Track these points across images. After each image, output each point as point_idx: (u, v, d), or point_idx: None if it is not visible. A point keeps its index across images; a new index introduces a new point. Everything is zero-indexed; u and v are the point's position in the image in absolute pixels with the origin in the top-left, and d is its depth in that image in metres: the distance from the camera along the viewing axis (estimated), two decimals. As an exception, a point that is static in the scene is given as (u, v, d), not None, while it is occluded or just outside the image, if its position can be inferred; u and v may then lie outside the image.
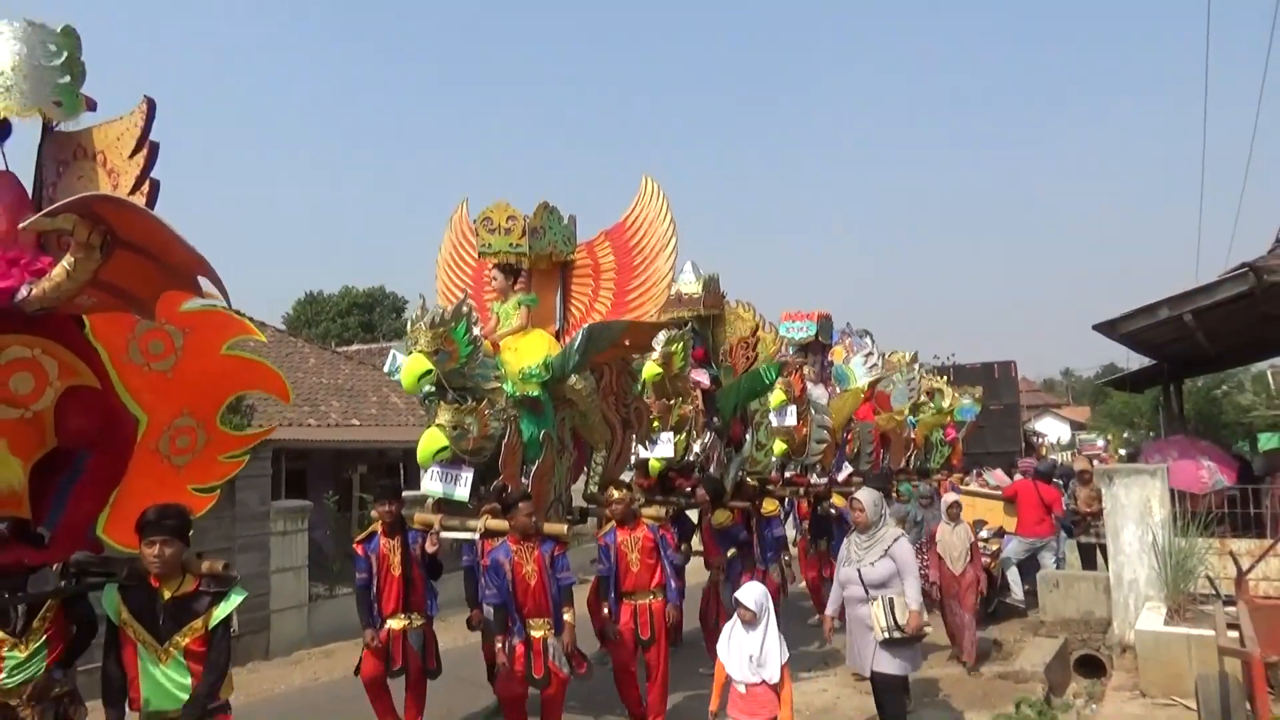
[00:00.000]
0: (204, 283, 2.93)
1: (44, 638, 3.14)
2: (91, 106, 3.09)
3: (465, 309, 5.00)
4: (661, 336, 6.65)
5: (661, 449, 6.88)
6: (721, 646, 4.19)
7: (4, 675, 3.08)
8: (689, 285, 7.79)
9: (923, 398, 12.22)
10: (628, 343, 5.85)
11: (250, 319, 4.14)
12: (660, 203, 6.00)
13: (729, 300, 8.09)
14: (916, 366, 12.63)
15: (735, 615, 4.19)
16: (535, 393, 5.36)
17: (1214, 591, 6.38)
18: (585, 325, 5.47)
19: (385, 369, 5.38)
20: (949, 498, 7.52)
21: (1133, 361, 16.76)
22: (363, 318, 31.95)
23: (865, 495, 4.99)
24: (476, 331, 5.06)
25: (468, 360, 4.95)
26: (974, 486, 10.91)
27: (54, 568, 3.14)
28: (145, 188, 3.03)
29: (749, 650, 4.05)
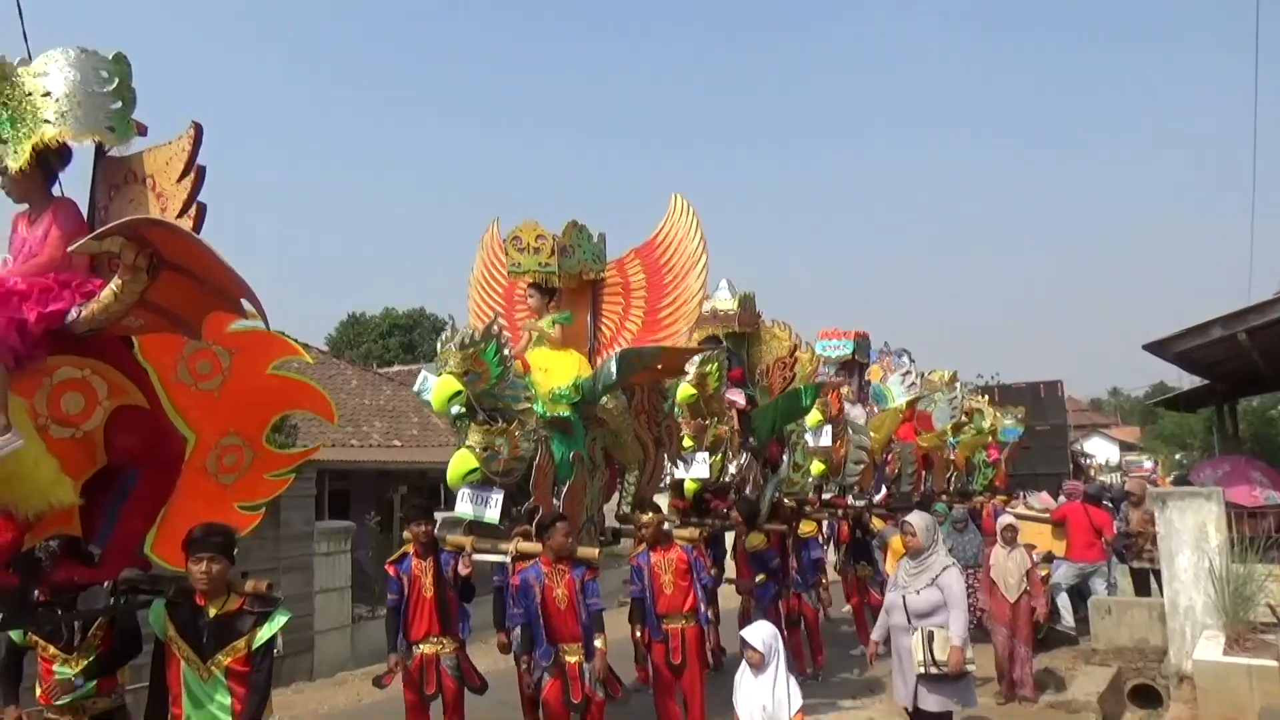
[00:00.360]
0: (246, 305, 3.00)
1: (94, 655, 3.19)
2: (142, 131, 3.19)
3: (496, 329, 5.05)
4: (697, 357, 6.61)
5: (697, 470, 6.82)
6: (735, 694, 3.99)
7: (54, 693, 3.07)
8: (724, 302, 7.76)
9: (963, 418, 11.89)
10: (660, 367, 5.84)
11: (294, 340, 4.22)
12: (690, 220, 5.99)
13: (765, 320, 8.06)
14: (958, 386, 12.30)
15: (744, 659, 3.96)
16: (566, 413, 5.36)
17: (1275, 620, 6.00)
18: (618, 351, 5.48)
19: (415, 387, 5.37)
20: (1004, 520, 7.34)
21: (1184, 381, 16.14)
22: (404, 339, 32.31)
23: (917, 519, 4.86)
24: (507, 352, 5.10)
25: (498, 381, 4.98)
26: (1019, 509, 10.52)
27: (104, 585, 3.21)
28: (193, 211, 3.10)
29: (760, 700, 3.85)
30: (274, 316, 3.07)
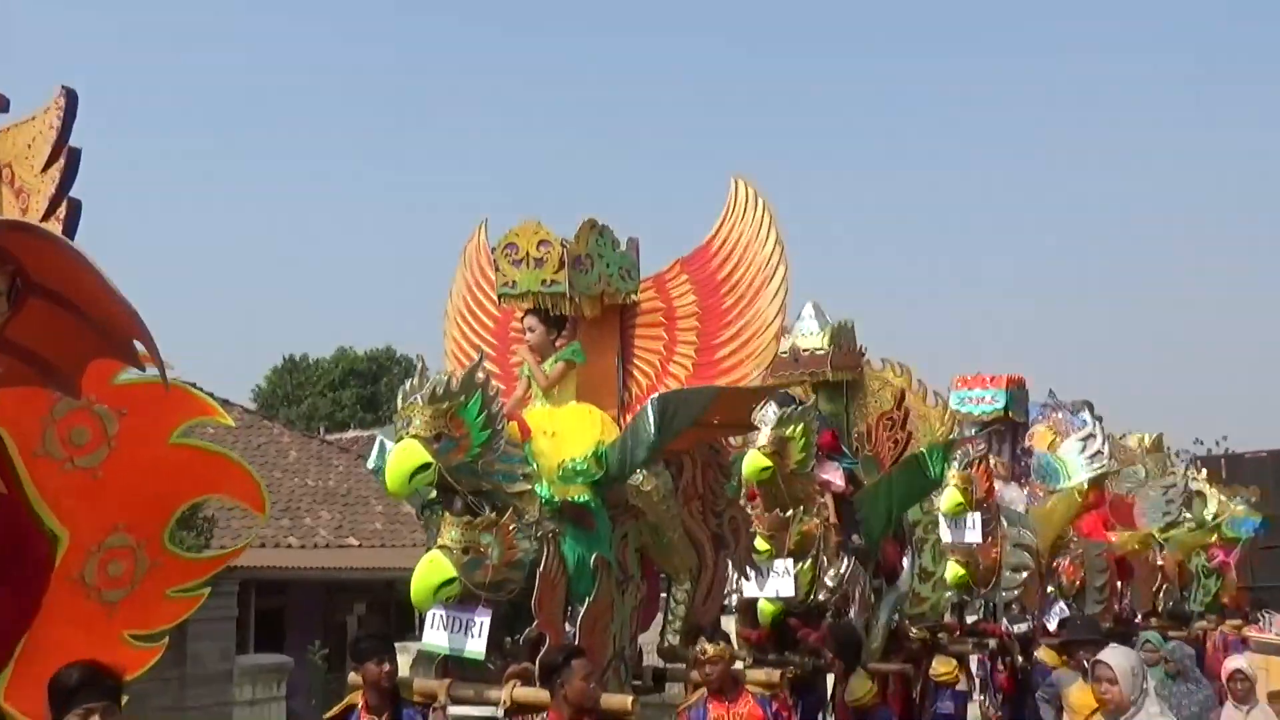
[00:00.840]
0: (141, 349, 3.02)
1: None
2: (2, 106, 3.29)
3: (480, 376, 5.02)
4: (770, 413, 6.53)
5: (776, 584, 6.75)
6: None
7: None
8: (809, 336, 7.78)
9: (1182, 511, 11.70)
10: (718, 420, 5.77)
11: (208, 396, 4.22)
12: (760, 216, 5.97)
13: (870, 359, 8.11)
14: (1181, 463, 12.03)
15: None
16: (584, 498, 5.33)
17: None
18: (654, 396, 5.47)
19: (369, 462, 5.30)
20: (1231, 665, 7.01)
21: None
22: (363, 391, 32.76)
23: (1117, 657, 4.79)
24: (497, 409, 5.05)
25: (483, 450, 4.94)
26: (1261, 637, 10.09)
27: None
28: (63, 210, 3.17)
29: None
30: (179, 360, 3.18)
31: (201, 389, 4.29)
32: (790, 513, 6.82)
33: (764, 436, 6.54)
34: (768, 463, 6.59)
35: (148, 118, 70.40)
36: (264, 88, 75.75)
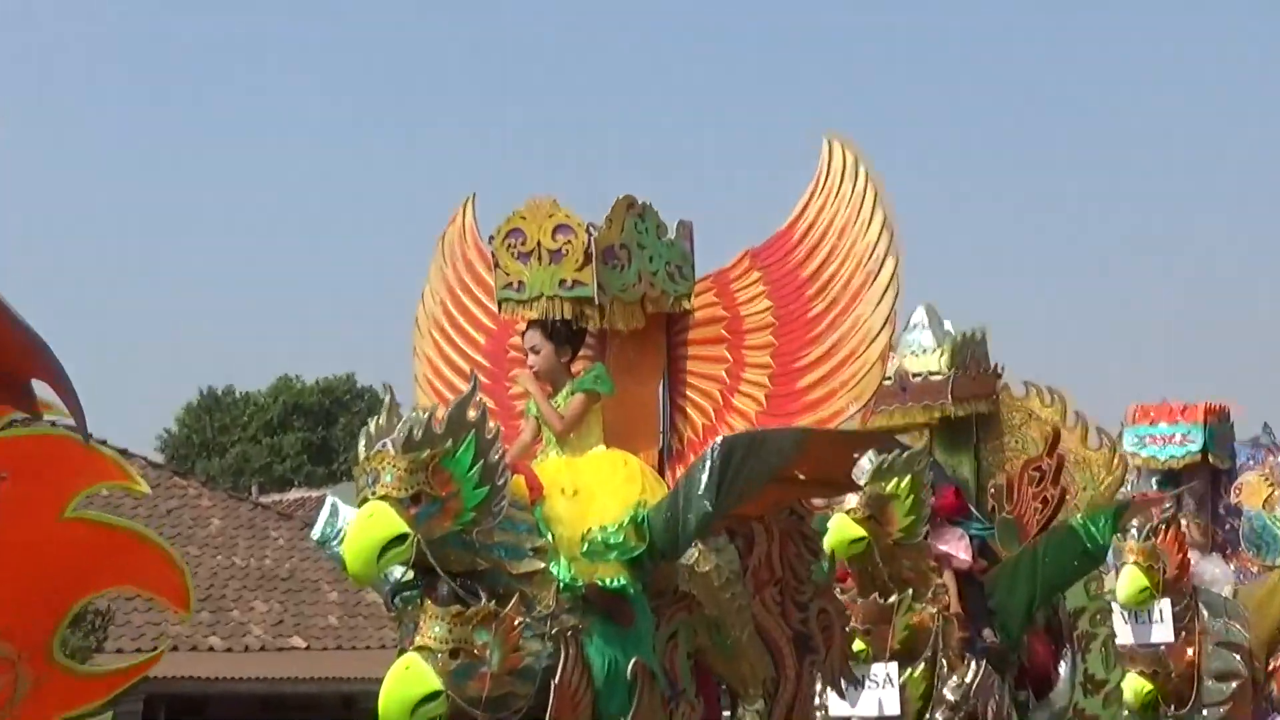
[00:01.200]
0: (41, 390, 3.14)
1: None
2: None
3: (475, 412, 5.00)
4: (864, 461, 6.44)
5: (875, 698, 6.75)
6: None
7: None
8: (921, 355, 7.75)
9: None
10: (803, 475, 5.76)
11: (114, 452, 4.20)
12: (862, 191, 5.92)
13: (1007, 384, 8.08)
14: None
15: None
16: (618, 582, 5.29)
17: None
18: (719, 440, 5.42)
19: (314, 532, 5.21)
20: None
21: None
22: (311, 435, 32.96)
23: None
24: (497, 459, 5.00)
25: (479, 515, 4.90)
26: None
27: None
28: None
29: None
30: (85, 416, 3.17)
31: (102, 442, 4.27)
32: (894, 599, 6.84)
33: (860, 494, 6.51)
34: (860, 532, 6.60)
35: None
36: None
